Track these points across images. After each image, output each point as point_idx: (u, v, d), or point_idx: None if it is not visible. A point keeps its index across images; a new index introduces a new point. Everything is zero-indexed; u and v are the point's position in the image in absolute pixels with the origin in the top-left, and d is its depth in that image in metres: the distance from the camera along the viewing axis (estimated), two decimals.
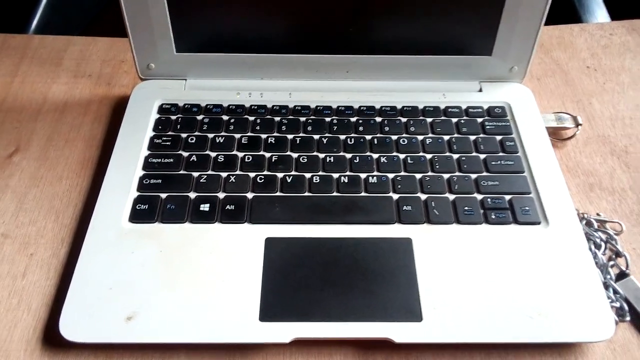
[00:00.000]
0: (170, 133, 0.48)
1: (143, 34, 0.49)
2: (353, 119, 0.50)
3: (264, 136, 0.48)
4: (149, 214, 0.43)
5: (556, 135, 0.51)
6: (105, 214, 0.42)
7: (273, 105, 0.51)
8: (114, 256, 0.40)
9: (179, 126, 0.49)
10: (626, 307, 0.39)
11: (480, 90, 0.52)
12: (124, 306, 0.37)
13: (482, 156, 0.47)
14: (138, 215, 0.43)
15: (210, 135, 0.48)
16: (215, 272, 0.39)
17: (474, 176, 0.45)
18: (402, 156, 0.47)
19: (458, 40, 0.50)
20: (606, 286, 0.40)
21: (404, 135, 0.49)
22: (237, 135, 0.48)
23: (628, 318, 0.39)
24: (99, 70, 0.57)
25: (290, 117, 0.50)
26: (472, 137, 0.48)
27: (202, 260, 0.40)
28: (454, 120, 0.50)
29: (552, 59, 0.59)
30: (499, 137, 0.48)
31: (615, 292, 0.40)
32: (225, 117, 0.50)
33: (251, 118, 0.50)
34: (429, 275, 0.39)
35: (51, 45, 0.59)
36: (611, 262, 0.42)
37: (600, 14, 0.67)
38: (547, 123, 0.50)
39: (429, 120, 0.50)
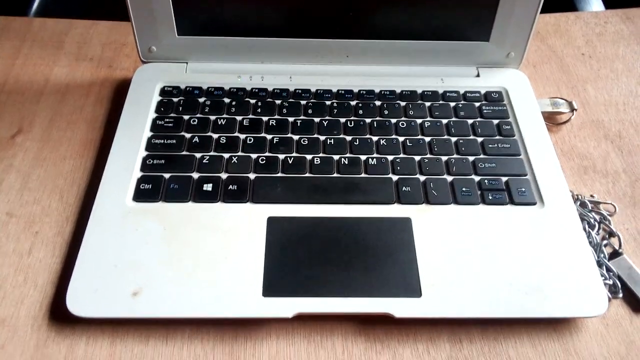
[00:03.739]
0: (172, 115, 0.49)
1: (145, 17, 0.49)
2: (353, 103, 0.51)
3: (265, 119, 0.49)
4: (153, 193, 0.43)
5: (552, 119, 0.52)
6: (110, 193, 0.43)
7: (274, 89, 0.51)
8: (118, 234, 0.41)
9: (180, 108, 0.49)
10: (619, 284, 0.40)
11: (478, 76, 0.53)
12: (130, 282, 0.38)
13: (480, 139, 0.48)
14: (142, 195, 0.43)
15: (212, 118, 0.49)
16: (219, 249, 0.40)
17: (471, 158, 0.46)
18: (401, 139, 0.48)
19: (456, 26, 0.51)
20: (600, 264, 0.41)
21: (403, 118, 0.49)
22: (239, 118, 0.49)
23: (620, 295, 0.40)
24: (100, 53, 0.57)
25: (291, 100, 0.51)
26: (470, 121, 0.49)
27: (205, 238, 0.41)
28: (452, 104, 0.51)
29: (547, 46, 0.60)
30: (496, 121, 0.49)
31: (609, 270, 0.41)
32: (226, 100, 0.50)
33: (252, 101, 0.50)
34: (427, 253, 0.40)
35: (52, 28, 0.59)
36: (605, 242, 0.43)
37: (595, 2, 0.68)
38: (543, 108, 0.51)
39: (428, 104, 0.51)
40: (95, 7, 0.71)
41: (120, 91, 0.53)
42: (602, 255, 0.42)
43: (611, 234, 0.43)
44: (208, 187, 0.44)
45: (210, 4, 0.49)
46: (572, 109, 0.52)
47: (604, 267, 0.41)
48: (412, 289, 0.38)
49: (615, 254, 0.42)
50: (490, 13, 0.50)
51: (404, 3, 0.49)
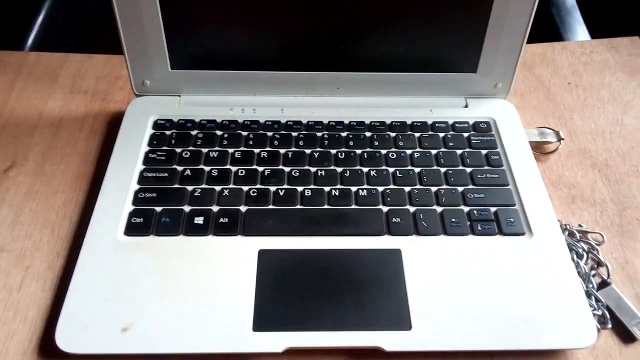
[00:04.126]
0: (164, 148, 0.49)
1: (138, 52, 0.50)
2: (344, 134, 0.51)
3: (256, 151, 0.49)
4: (144, 227, 0.43)
5: (539, 149, 0.53)
6: (101, 227, 0.43)
7: (265, 121, 0.52)
8: (109, 268, 0.41)
9: (173, 141, 0.50)
10: (608, 315, 0.40)
11: (466, 106, 0.54)
12: (120, 317, 0.38)
13: (469, 170, 0.49)
14: (133, 228, 0.43)
15: (204, 150, 0.49)
16: (210, 283, 0.40)
17: (460, 189, 0.47)
18: (391, 170, 0.48)
19: (444, 58, 0.52)
20: (588, 295, 0.42)
21: (393, 149, 0.50)
22: (231, 150, 0.49)
23: (609, 325, 0.40)
24: (94, 86, 0.58)
25: (283, 132, 0.51)
26: (459, 152, 0.50)
27: (196, 272, 0.41)
28: (441, 135, 0.51)
29: (534, 75, 0.61)
30: (484, 152, 0.50)
31: (597, 300, 0.41)
32: (219, 132, 0.51)
33: (244, 133, 0.51)
34: (417, 285, 0.41)
35: (47, 62, 0.60)
36: (593, 272, 0.43)
37: (580, 32, 0.69)
38: (531, 137, 0.52)
39: (417, 135, 0.51)
40: (90, 41, 0.72)
41: (113, 124, 0.54)
42: (590, 286, 0.42)
43: (599, 263, 0.44)
44: (199, 220, 0.44)
45: (202, 38, 0.50)
46: (559, 139, 0.53)
47: (593, 298, 0.41)
48: (402, 321, 0.39)
49: (603, 284, 0.42)
50: (477, 45, 0.51)
51: (393, 36, 0.50)
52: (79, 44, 0.73)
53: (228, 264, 0.41)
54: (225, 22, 0.49)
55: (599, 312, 0.41)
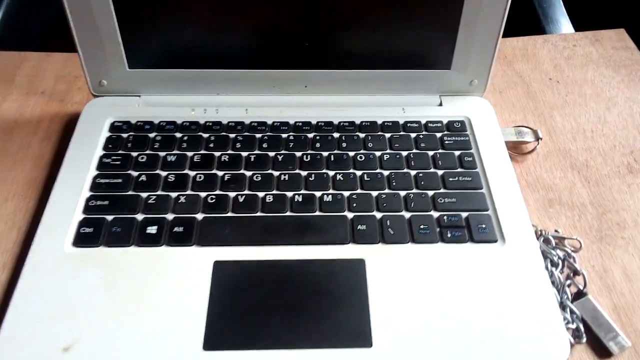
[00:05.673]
0: (120, 152, 0.47)
1: (93, 50, 0.48)
2: (310, 135, 0.49)
3: (217, 154, 0.47)
4: (93, 237, 0.41)
5: (516, 149, 0.50)
6: (48, 238, 0.41)
7: (229, 122, 0.49)
8: (54, 283, 0.38)
9: (129, 144, 0.47)
10: (582, 329, 0.38)
11: (441, 104, 0.51)
12: (62, 336, 0.36)
13: (440, 172, 0.46)
14: (82, 239, 0.41)
15: (162, 154, 0.47)
16: (160, 298, 0.38)
17: (430, 193, 0.45)
18: (358, 173, 0.46)
19: (416, 54, 0.49)
20: (563, 306, 0.39)
21: (361, 151, 0.48)
22: (190, 153, 0.47)
23: (584, 339, 0.38)
24: (52, 86, 0.55)
25: (246, 133, 0.49)
26: (431, 153, 0.48)
27: (146, 286, 0.38)
28: (413, 135, 0.49)
29: (514, 71, 0.59)
30: (457, 153, 0.47)
31: (572, 312, 0.39)
32: (178, 135, 0.48)
33: (205, 135, 0.48)
34: (381, 298, 0.38)
35: (4, 61, 0.58)
36: (568, 281, 0.41)
37: (564, 23, 0.67)
38: (507, 137, 0.50)
39: (388, 135, 0.49)
40: (52, 39, 0.69)
41: (69, 127, 0.51)
42: (565, 297, 0.40)
43: (576, 272, 0.41)
44: (152, 229, 0.42)
45: (161, 35, 0.48)
46: (537, 138, 0.50)
47: (568, 310, 0.39)
48: (363, 338, 0.36)
49: (579, 295, 0.40)
50: (449, 40, 0.48)
51: (361, 32, 0.48)
52: (42, 42, 0.70)
53: (180, 277, 0.39)
54: (185, 18, 0.47)
55: (574, 326, 0.38)
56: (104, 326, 0.36)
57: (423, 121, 0.50)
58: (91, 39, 0.47)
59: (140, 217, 0.42)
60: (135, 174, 0.45)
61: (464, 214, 0.43)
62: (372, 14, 0.47)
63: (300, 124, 0.50)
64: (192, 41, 0.48)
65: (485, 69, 0.50)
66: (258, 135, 0.48)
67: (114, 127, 0.49)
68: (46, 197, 0.44)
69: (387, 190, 0.45)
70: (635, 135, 0.52)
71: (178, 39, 0.48)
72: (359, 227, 0.42)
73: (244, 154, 0.47)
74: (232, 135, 0.48)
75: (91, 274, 0.39)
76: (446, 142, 0.48)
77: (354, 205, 0.44)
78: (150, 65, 0.49)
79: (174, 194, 0.44)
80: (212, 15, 0.47)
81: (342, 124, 0.50)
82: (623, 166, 0.49)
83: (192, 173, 0.45)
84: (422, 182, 0.45)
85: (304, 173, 0.46)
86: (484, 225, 0.42)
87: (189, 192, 0.44)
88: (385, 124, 0.50)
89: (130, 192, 0.44)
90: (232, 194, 0.44)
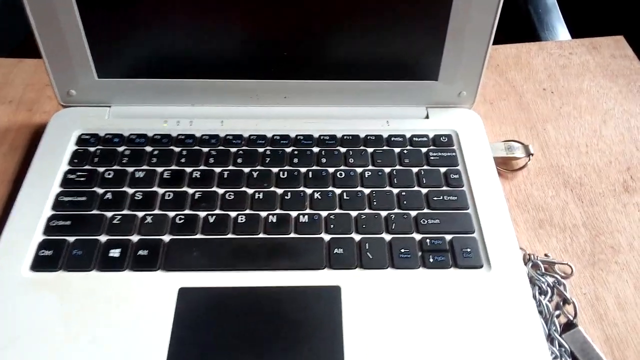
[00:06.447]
0: (86, 167, 0.44)
1: (60, 58, 0.45)
2: (288, 150, 0.46)
3: (188, 170, 0.44)
4: (53, 261, 0.39)
5: (506, 165, 0.48)
6: (4, 262, 0.38)
7: (202, 135, 0.47)
8: (9, 310, 0.36)
9: (96, 159, 0.45)
10: None
11: (427, 117, 0.49)
12: None
13: (424, 191, 0.43)
14: (40, 263, 0.38)
15: (130, 170, 0.44)
16: (119, 328, 0.35)
17: (413, 213, 0.42)
18: (338, 191, 0.43)
19: (402, 65, 0.47)
20: (551, 339, 0.37)
21: (342, 167, 0.45)
22: (160, 169, 0.44)
23: None
24: (20, 95, 0.53)
25: (220, 147, 0.46)
26: (415, 170, 0.45)
27: (105, 315, 0.36)
28: (397, 150, 0.46)
29: (507, 80, 0.56)
30: (443, 169, 0.45)
31: (560, 345, 0.37)
32: (148, 149, 0.46)
33: (177, 149, 0.46)
34: (356, 329, 0.36)
35: None
36: (557, 312, 0.38)
37: (561, 30, 0.64)
38: (496, 153, 0.47)
39: (370, 150, 0.46)
40: (25, 44, 0.67)
41: (36, 138, 0.48)
42: (553, 328, 0.37)
43: (566, 300, 0.39)
44: (115, 252, 0.39)
45: (132, 43, 0.45)
46: (529, 154, 0.47)
47: (556, 342, 0.37)
48: None
49: (569, 326, 0.38)
50: (436, 50, 0.46)
51: (345, 40, 0.45)
52: (12, 49, 0.67)
53: (143, 305, 0.37)
54: (159, 25, 0.44)
55: None
56: (62, 357, 0.34)
57: (408, 135, 0.47)
58: (57, 46, 0.44)
59: (103, 238, 0.40)
60: (100, 191, 0.43)
61: (448, 237, 0.41)
62: (354, 22, 0.44)
63: (278, 137, 0.47)
64: (165, 49, 0.46)
65: (474, 81, 0.47)
66: (233, 150, 0.46)
67: (81, 140, 0.46)
68: (6, 217, 0.41)
69: (367, 210, 0.42)
70: (632, 150, 0.49)
71: (150, 47, 0.45)
72: (336, 250, 0.40)
73: (217, 169, 0.44)
74: (205, 150, 0.46)
75: (49, 301, 0.37)
76: (431, 157, 0.46)
77: (332, 226, 0.41)
78: (121, 75, 0.47)
79: (140, 214, 0.41)
80: (187, 23, 0.44)
81: (322, 137, 0.47)
82: (619, 184, 0.47)
83: (160, 191, 0.43)
84: (405, 202, 0.43)
85: (279, 191, 0.43)
86: (469, 250, 0.40)
87: (156, 211, 0.42)
88: (368, 137, 0.47)
89: (94, 212, 0.41)
90: (202, 214, 0.41)
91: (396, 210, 0.42)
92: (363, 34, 0.45)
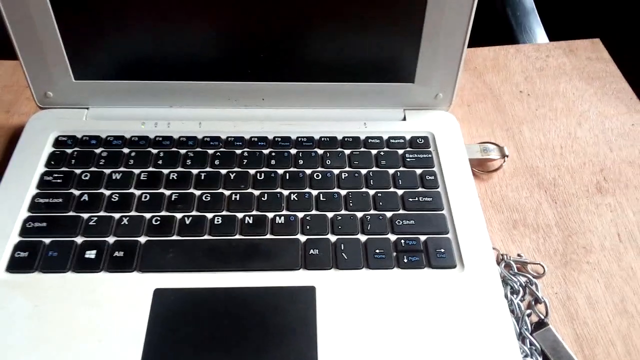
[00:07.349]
0: (63, 169, 0.44)
1: (37, 60, 0.45)
2: (266, 152, 0.46)
3: (165, 171, 0.44)
4: (28, 262, 0.39)
5: (482, 166, 0.48)
6: None
7: (180, 137, 0.47)
8: None
9: (73, 161, 0.45)
10: None
11: (404, 119, 0.49)
12: None
13: (400, 192, 0.44)
14: (16, 265, 0.38)
15: (107, 171, 0.44)
16: (94, 330, 0.35)
17: (389, 214, 0.42)
18: (314, 193, 0.44)
19: (378, 67, 0.47)
20: (522, 338, 0.37)
21: (319, 169, 0.45)
22: (137, 171, 0.44)
23: None
24: None
25: (198, 149, 0.46)
26: (391, 171, 0.45)
27: (80, 317, 0.36)
28: (374, 152, 0.47)
29: (484, 82, 0.57)
30: (419, 171, 0.45)
31: (531, 344, 0.37)
32: (125, 150, 0.46)
33: (154, 151, 0.46)
34: (330, 329, 0.36)
35: None
36: (528, 311, 0.39)
37: (539, 33, 0.65)
38: (472, 154, 0.48)
39: (347, 152, 0.47)
40: (3, 46, 0.66)
41: (13, 141, 0.48)
42: (524, 327, 0.38)
43: (537, 300, 0.40)
44: (91, 254, 0.39)
45: (109, 45, 0.45)
46: (504, 155, 0.48)
47: (527, 341, 0.37)
48: None
49: (540, 325, 0.38)
50: (412, 52, 0.46)
51: (320, 42, 0.45)
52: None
53: (118, 306, 0.37)
54: (136, 27, 0.44)
55: (532, 359, 0.36)
56: (37, 357, 0.34)
57: (385, 137, 0.48)
58: (33, 48, 0.44)
59: (79, 240, 0.40)
60: (77, 193, 0.43)
61: (423, 237, 0.41)
62: (331, 25, 0.45)
63: (255, 139, 0.47)
64: (142, 51, 0.46)
65: (450, 83, 0.48)
66: (210, 152, 0.46)
67: (58, 142, 0.46)
68: None
69: (343, 212, 0.43)
70: (605, 152, 0.50)
71: (127, 49, 0.46)
72: (312, 251, 0.40)
73: (194, 171, 0.45)
74: (182, 151, 0.46)
75: (22, 303, 0.37)
76: (408, 159, 0.46)
77: (307, 227, 0.41)
78: (98, 77, 0.47)
79: (116, 215, 0.41)
80: (164, 24, 0.44)
81: (300, 139, 0.47)
82: (592, 185, 0.47)
83: (137, 192, 0.43)
84: (381, 203, 0.43)
85: (256, 192, 0.43)
86: (442, 250, 0.40)
87: (132, 213, 0.42)
88: (346, 139, 0.48)
89: (70, 213, 0.41)
90: (178, 215, 0.42)
91: (372, 212, 0.43)
92: (339, 36, 0.45)
